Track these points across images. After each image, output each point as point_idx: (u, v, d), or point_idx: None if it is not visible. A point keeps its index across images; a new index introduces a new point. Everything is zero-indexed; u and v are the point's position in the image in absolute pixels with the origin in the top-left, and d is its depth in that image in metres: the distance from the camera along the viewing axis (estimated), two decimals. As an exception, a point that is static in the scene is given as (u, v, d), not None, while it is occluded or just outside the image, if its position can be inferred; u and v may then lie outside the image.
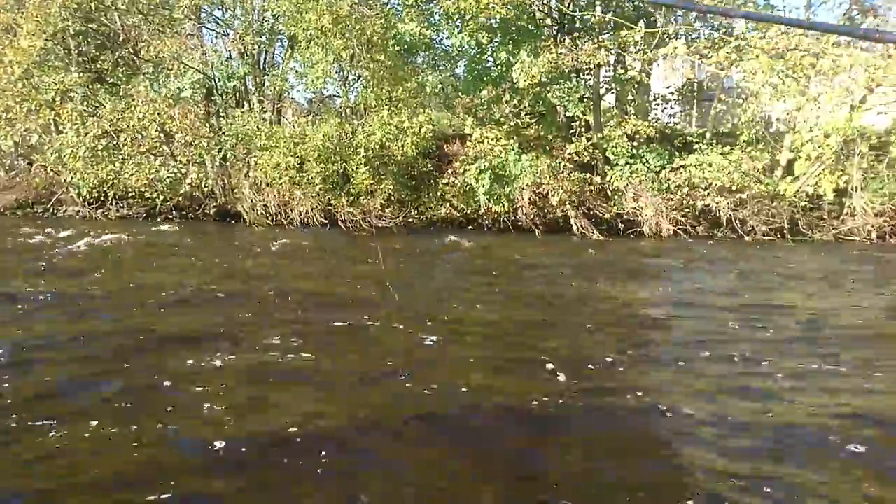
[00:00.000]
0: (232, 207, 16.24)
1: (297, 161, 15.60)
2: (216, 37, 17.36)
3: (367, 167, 15.48)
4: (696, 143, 15.61)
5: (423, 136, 15.87)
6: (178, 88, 15.48)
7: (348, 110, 16.64)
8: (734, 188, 14.81)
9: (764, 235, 14.92)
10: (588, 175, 15.79)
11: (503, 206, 15.49)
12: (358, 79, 16.86)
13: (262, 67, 17.21)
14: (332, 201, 15.68)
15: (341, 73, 16.55)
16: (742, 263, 11.18)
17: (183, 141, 15.82)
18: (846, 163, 14.44)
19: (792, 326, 6.07)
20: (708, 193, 14.98)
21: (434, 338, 5.22)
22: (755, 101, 14.78)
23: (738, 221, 15.08)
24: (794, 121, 15.28)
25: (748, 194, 14.87)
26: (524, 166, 15.34)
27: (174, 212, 16.31)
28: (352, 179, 15.68)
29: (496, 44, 16.11)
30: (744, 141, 15.23)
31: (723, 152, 15.12)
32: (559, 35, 16.22)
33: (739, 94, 15.76)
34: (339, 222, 15.53)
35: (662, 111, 17.44)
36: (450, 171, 16.47)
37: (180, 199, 16.06)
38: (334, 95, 17.17)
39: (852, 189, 14.40)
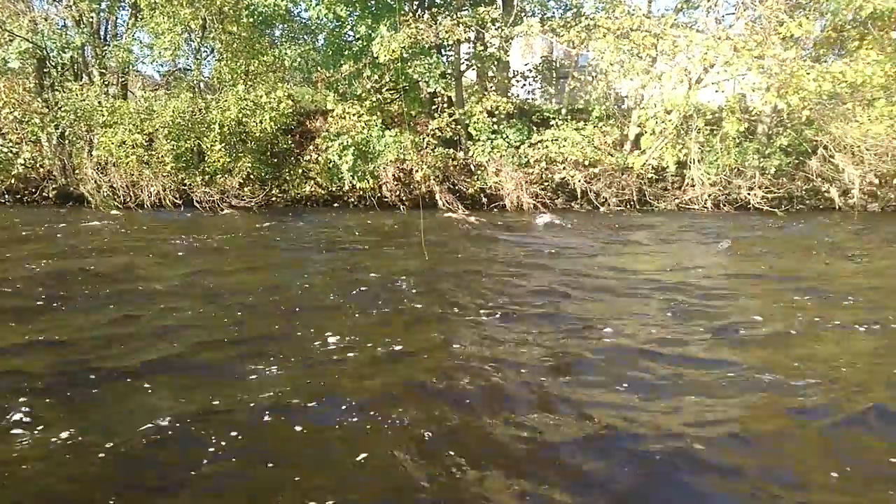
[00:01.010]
0: (74, 189, 15.32)
1: (146, 139, 14.92)
2: (48, 3, 16.10)
3: (224, 144, 15.09)
4: (553, 118, 16.41)
5: (283, 112, 15.67)
6: (3, 59, 14.29)
7: (202, 84, 16.05)
8: (588, 162, 15.72)
9: (617, 206, 15.94)
10: (451, 151, 16.23)
11: (368, 182, 15.59)
12: (211, 51, 16.29)
13: (102, 38, 16.19)
14: (185, 181, 15.15)
15: (192, 45, 15.91)
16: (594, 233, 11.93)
17: (11, 117, 14.64)
18: (685, 137, 15.70)
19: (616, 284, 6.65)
20: (564, 168, 15.80)
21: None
22: (604, 79, 15.70)
23: (593, 194, 16.03)
24: (640, 98, 16.37)
25: (601, 168, 15.84)
26: (388, 142, 15.52)
27: (7, 195, 15.16)
28: (207, 157, 15.23)
29: (355, 17, 16.05)
30: (595, 117, 16.19)
31: (577, 128, 16.01)
32: (419, 10, 16.42)
33: (590, 71, 16.67)
34: (195, 203, 15.06)
35: (521, 88, 18.17)
36: (312, 148, 16.35)
37: (13, 181, 14.93)
38: (186, 69, 16.46)
39: (691, 161, 15.70)
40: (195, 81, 15.99)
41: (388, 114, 17.01)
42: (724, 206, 15.85)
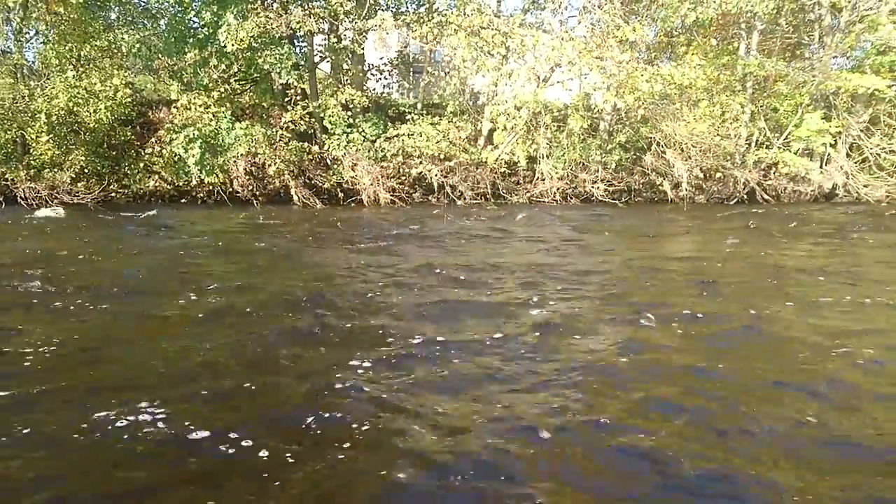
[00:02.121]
0: None
1: (-44, 128, 13.66)
2: None
3: (52, 136, 14.11)
4: (409, 113, 16.77)
5: (121, 102, 14.92)
6: None
7: (25, 69, 14.89)
8: (443, 157, 16.25)
9: (472, 199, 16.60)
10: (306, 144, 16.16)
11: (217, 177, 15.18)
12: (36, 34, 15.14)
13: None
14: (7, 175, 14.03)
15: (13, 26, 14.71)
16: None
17: None
18: (535, 133, 16.65)
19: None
20: (421, 162, 16.22)
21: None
22: (457, 75, 16.28)
23: (449, 187, 16.59)
24: (492, 94, 17.14)
25: (456, 162, 16.42)
26: (238, 135, 15.19)
27: None
28: (31, 150, 14.17)
29: (199, 3, 15.54)
30: (450, 112, 16.75)
31: (432, 123, 16.47)
32: (268, -1, 16.16)
33: (444, 67, 17.21)
34: (20, 199, 13.97)
35: (377, 82, 18.42)
36: (155, 140, 15.68)
37: None
38: (6, 51, 15.19)
39: (540, 157, 16.68)
40: (16, 66, 14.79)
41: (238, 105, 16.65)
42: (572, 198, 17.01)
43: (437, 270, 6.81)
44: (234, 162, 15.30)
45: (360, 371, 3.68)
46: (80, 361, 3.87)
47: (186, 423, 2.92)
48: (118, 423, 2.92)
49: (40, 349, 3.99)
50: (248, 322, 4.74)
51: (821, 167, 17.79)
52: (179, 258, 7.77)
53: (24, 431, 2.88)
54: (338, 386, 3.44)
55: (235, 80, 16.24)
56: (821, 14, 18.08)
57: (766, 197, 17.63)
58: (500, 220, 12.98)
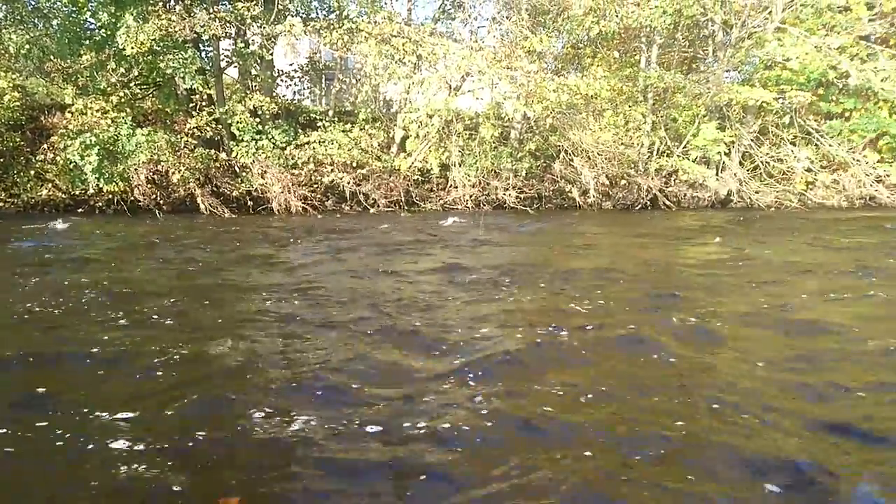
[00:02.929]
0: None
1: None
2: None
3: (-72, 141, 13.26)
4: (320, 120, 16.76)
5: (8, 106, 14.21)
6: None
7: None
8: (356, 164, 16.33)
9: (386, 207, 16.73)
10: (213, 151, 15.88)
11: (117, 185, 14.67)
12: None
13: None
14: None
15: None
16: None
17: None
18: (447, 141, 16.98)
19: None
20: (333, 170, 16.23)
21: None
22: (368, 82, 16.40)
23: (362, 195, 16.68)
24: (405, 102, 17.36)
25: (369, 170, 16.53)
26: (139, 142, 14.76)
27: None
28: None
29: (95, 3, 15.01)
30: (362, 119, 16.85)
31: (344, 130, 16.53)
32: (171, 1, 15.80)
33: (355, 74, 17.31)
34: None
35: (287, 88, 18.31)
36: (48, 146, 14.98)
37: None
38: None
39: (452, 164, 17.02)
40: None
41: (139, 111, 16.19)
42: (484, 205, 17.44)
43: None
44: (136, 170, 14.84)
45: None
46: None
47: None
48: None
49: None
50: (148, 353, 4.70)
51: (716, 174, 19.01)
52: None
53: None
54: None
55: (136, 85, 15.77)
56: (714, 30, 19.39)
57: (667, 203, 18.67)
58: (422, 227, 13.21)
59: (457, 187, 17.42)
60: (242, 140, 16.02)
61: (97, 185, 14.57)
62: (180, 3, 15.60)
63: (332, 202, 16.76)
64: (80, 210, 15.14)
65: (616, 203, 18.48)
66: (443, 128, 17.01)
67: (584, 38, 18.50)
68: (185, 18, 14.96)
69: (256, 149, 15.95)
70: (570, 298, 6.05)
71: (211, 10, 15.47)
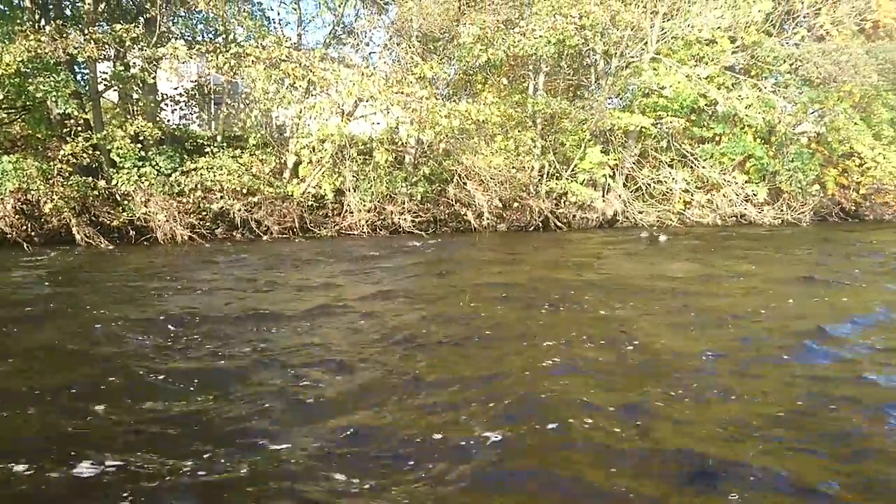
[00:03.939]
0: None
1: None
2: None
3: None
4: (208, 145, 16.42)
5: None
6: None
7: None
8: (247, 191, 16.07)
9: (279, 234, 16.54)
10: (91, 179, 15.17)
11: (-21, 217, 13.72)
12: None
13: None
14: None
15: None
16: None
17: None
18: (341, 166, 17.06)
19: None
20: (222, 196, 15.89)
21: None
22: (257, 107, 16.26)
23: (254, 223, 16.43)
24: (297, 127, 17.33)
25: (260, 196, 16.32)
26: (6, 170, 13.94)
27: None
28: None
29: (-47, 22, 14.10)
30: (252, 145, 16.64)
31: (234, 155, 16.25)
32: (42, 21, 15.09)
33: (244, 99, 17.12)
34: None
35: (172, 112, 17.82)
36: None
37: None
38: None
39: (347, 189, 17.10)
40: None
41: (7, 136, 15.25)
42: (381, 230, 17.61)
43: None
44: (2, 200, 13.95)
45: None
46: None
47: None
48: None
49: None
50: None
51: (603, 196, 20.11)
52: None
53: None
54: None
55: (2, 109, 14.84)
56: (595, 60, 20.66)
57: (558, 224, 19.55)
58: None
59: (352, 212, 17.49)
60: (123, 167, 15.41)
61: (-44, 216, 13.60)
62: (51, 23, 14.89)
63: (223, 230, 16.40)
64: (-64, 244, 14.05)
65: (510, 225, 19.14)
66: (336, 153, 17.10)
67: (474, 65, 19.15)
68: (56, 39, 14.31)
69: (139, 176, 15.39)
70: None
71: (86, 31, 14.88)
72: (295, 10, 18.68)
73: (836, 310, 7.36)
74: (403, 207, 17.80)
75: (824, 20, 22.52)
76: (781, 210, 21.61)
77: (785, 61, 21.42)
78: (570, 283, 9.48)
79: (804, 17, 22.89)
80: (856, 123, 21.98)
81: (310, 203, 17.23)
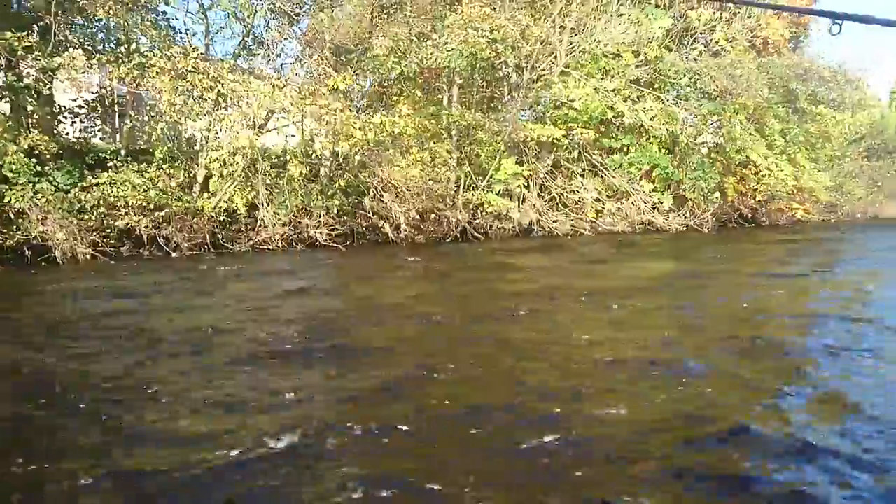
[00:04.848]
0: None
1: None
2: None
3: None
4: (111, 160, 15.86)
5: None
6: None
7: None
8: (154, 206, 15.57)
9: (190, 251, 16.10)
10: (-20, 197, 14.30)
11: None
12: None
13: None
14: None
15: None
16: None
17: None
18: (254, 179, 16.82)
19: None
20: (128, 213, 15.35)
21: None
22: (163, 119, 15.85)
23: (162, 239, 15.94)
24: (206, 140, 16.96)
25: (168, 211, 15.85)
26: None
27: None
28: None
29: None
30: (159, 158, 16.18)
31: (139, 170, 15.75)
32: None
33: (149, 111, 16.65)
34: None
35: (72, 125, 17.09)
36: None
37: None
38: None
39: (260, 203, 16.87)
40: None
41: None
42: (297, 244, 17.45)
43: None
44: None
45: None
46: None
47: None
48: None
49: None
50: None
51: (518, 206, 20.69)
52: None
53: None
54: None
55: None
56: (508, 72, 21.28)
57: (475, 234, 19.96)
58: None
59: (266, 227, 17.26)
60: (17, 183, 14.63)
61: None
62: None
63: (129, 247, 15.83)
64: None
65: (428, 236, 19.37)
66: (249, 166, 16.85)
67: (388, 77, 19.34)
68: (-63, 48, 13.52)
69: (34, 192, 14.66)
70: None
71: (-28, 40, 14.11)
72: (202, 19, 18.32)
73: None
74: (319, 221, 17.71)
75: (719, 36, 24.10)
76: (685, 217, 22.87)
77: (685, 75, 22.78)
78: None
79: (701, 34, 24.41)
80: (751, 134, 23.61)
81: (221, 218, 16.87)
